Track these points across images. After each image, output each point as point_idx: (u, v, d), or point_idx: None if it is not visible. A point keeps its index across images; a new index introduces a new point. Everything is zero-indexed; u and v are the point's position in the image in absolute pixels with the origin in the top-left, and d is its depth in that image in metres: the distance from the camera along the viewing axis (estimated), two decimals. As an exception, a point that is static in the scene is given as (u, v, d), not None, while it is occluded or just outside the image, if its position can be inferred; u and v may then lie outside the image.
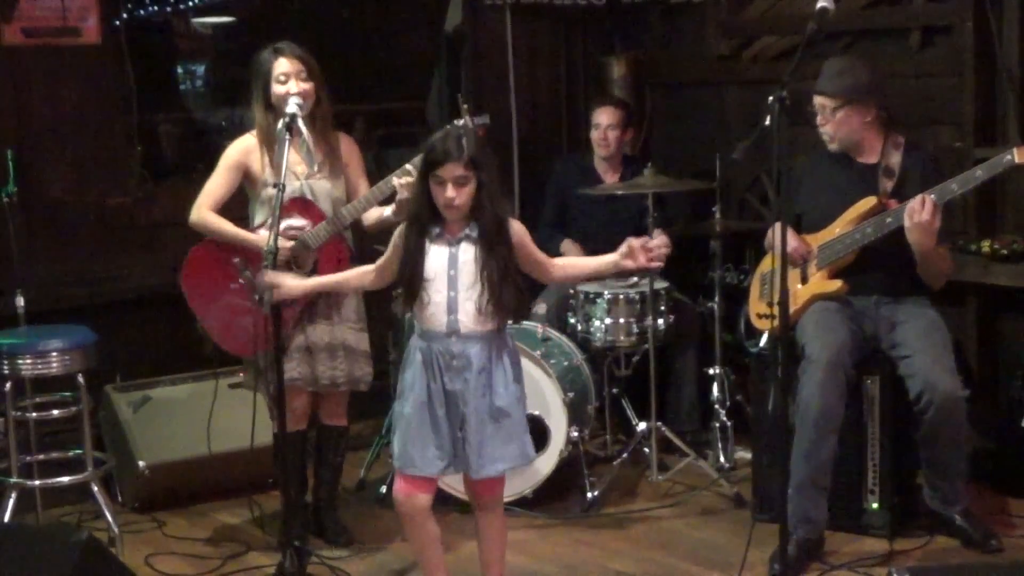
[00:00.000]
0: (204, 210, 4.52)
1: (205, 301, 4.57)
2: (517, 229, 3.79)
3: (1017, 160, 4.14)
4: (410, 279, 3.73)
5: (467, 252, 3.71)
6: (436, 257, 3.73)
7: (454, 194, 3.65)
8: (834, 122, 4.53)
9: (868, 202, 4.50)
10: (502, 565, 3.99)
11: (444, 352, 3.73)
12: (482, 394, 3.73)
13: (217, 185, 4.53)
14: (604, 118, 5.79)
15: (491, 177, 3.72)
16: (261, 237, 4.38)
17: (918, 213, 4.26)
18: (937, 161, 4.66)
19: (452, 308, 3.71)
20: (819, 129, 4.60)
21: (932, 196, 4.26)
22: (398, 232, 3.83)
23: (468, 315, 3.71)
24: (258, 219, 4.55)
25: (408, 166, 4.30)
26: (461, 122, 4.35)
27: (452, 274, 3.71)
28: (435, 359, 3.74)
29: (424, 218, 3.74)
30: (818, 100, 4.55)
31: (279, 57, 4.46)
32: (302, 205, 4.49)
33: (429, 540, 3.90)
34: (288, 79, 4.43)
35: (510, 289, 3.71)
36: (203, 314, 4.58)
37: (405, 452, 3.78)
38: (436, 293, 3.72)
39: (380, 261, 3.89)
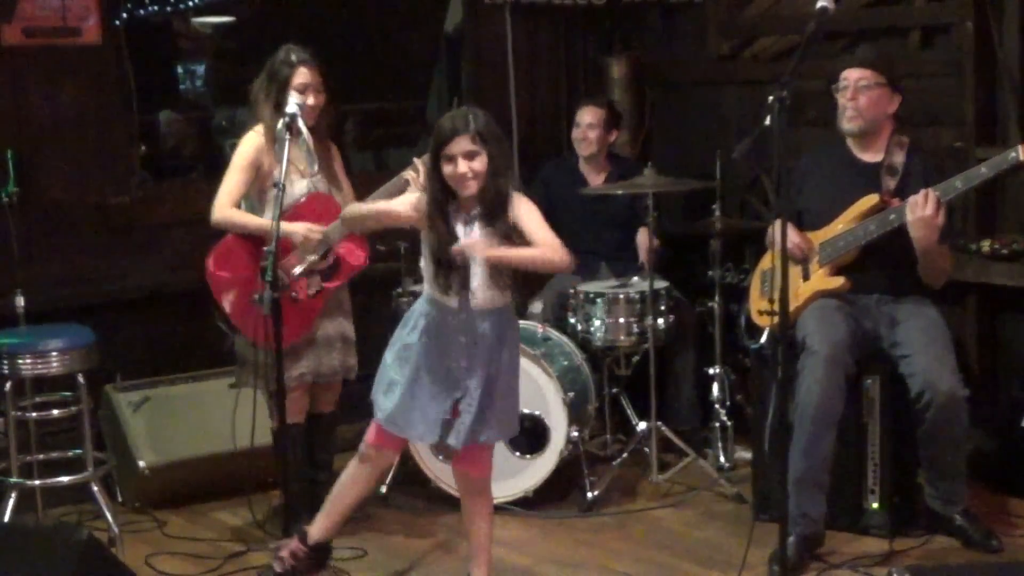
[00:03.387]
0: (227, 208, 4.51)
1: (237, 294, 4.55)
2: (520, 206, 3.79)
3: (1022, 157, 4.14)
4: (446, 261, 3.75)
5: (483, 230, 3.76)
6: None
7: (466, 168, 3.69)
8: (867, 97, 4.51)
9: (870, 199, 4.50)
10: (489, 555, 4.07)
11: (455, 326, 3.78)
12: (486, 371, 3.80)
13: (236, 183, 4.53)
14: (585, 117, 5.79)
15: (499, 152, 3.76)
16: (291, 226, 4.45)
17: (921, 207, 4.26)
18: (940, 163, 4.66)
19: (466, 284, 3.76)
20: (844, 104, 4.53)
21: (935, 191, 4.26)
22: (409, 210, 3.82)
23: (481, 292, 3.77)
24: (266, 217, 4.56)
25: (416, 160, 4.31)
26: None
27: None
28: (442, 332, 3.80)
29: (442, 201, 3.77)
30: (857, 73, 4.51)
31: (301, 67, 4.51)
32: (322, 201, 4.56)
33: (365, 491, 4.08)
34: (306, 90, 4.50)
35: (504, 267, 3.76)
36: (233, 309, 4.56)
37: (393, 414, 3.86)
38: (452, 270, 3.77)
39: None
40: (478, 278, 3.77)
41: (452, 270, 3.76)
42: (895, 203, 4.45)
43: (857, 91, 4.52)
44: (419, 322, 3.85)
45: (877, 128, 4.57)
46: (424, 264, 3.86)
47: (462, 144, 3.70)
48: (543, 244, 3.77)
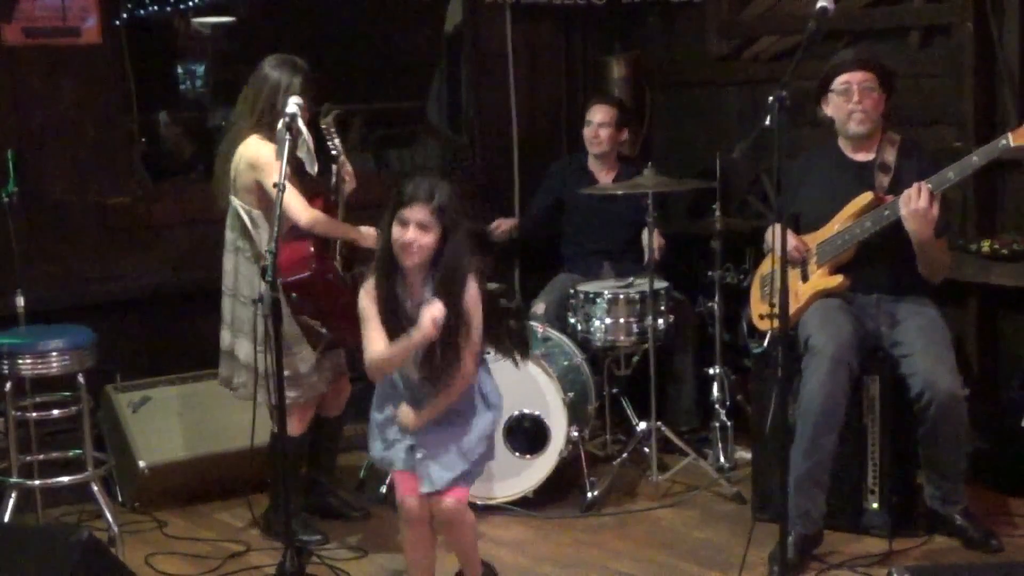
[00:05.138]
0: (311, 209, 4.48)
1: (318, 299, 4.54)
2: (471, 297, 3.70)
3: (1013, 143, 4.16)
4: (393, 326, 3.70)
5: (423, 306, 3.67)
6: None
7: (414, 236, 3.61)
8: (872, 99, 4.51)
9: (865, 198, 4.51)
10: (478, 563, 4.04)
11: (416, 398, 3.78)
12: (445, 429, 3.78)
13: (296, 186, 4.48)
14: (597, 115, 5.78)
15: (458, 234, 3.67)
16: (364, 229, 4.51)
17: (914, 200, 4.27)
18: (933, 157, 4.65)
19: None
20: (852, 108, 4.51)
21: (927, 184, 4.27)
22: (364, 298, 3.75)
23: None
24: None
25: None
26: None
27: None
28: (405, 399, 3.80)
29: (389, 267, 3.69)
30: (860, 75, 4.50)
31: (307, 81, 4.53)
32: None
33: (428, 553, 3.94)
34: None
35: (451, 350, 3.67)
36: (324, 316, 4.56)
37: (380, 456, 3.89)
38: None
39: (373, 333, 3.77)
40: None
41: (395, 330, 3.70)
42: (889, 200, 4.45)
43: (863, 94, 4.51)
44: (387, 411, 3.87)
45: (876, 127, 4.58)
46: None
47: (418, 212, 3.62)
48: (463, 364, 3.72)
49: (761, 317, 4.72)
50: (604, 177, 5.85)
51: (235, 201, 4.55)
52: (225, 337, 4.69)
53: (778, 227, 4.12)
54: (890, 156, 4.57)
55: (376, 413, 3.91)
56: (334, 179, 4.64)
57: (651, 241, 5.20)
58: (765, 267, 4.79)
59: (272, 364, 3.97)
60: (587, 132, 5.82)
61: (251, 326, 4.46)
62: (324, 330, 4.56)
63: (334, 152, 4.63)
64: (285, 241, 4.49)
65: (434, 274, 3.67)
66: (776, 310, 4.02)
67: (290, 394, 4.47)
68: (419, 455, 3.78)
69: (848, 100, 4.52)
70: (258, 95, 4.54)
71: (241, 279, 4.57)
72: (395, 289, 3.72)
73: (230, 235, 4.62)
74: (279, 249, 4.46)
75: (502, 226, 5.94)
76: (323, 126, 4.58)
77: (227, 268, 4.63)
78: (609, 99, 5.92)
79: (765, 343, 4.67)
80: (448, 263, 3.66)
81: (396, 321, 3.70)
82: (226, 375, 4.72)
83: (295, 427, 4.62)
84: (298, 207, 4.42)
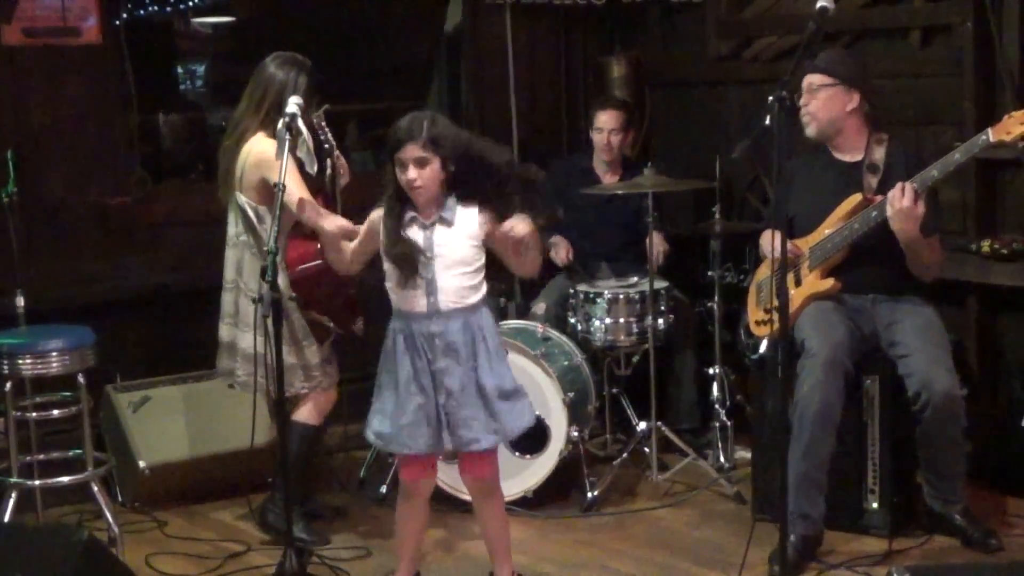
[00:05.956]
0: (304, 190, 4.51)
1: (325, 290, 4.60)
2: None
3: (993, 138, 4.17)
4: (403, 259, 3.78)
5: (443, 234, 3.79)
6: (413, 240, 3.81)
7: (415, 175, 3.72)
8: (817, 101, 4.53)
9: (854, 199, 4.51)
10: (508, 554, 4.07)
11: (426, 332, 3.79)
12: (468, 370, 3.81)
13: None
14: (608, 123, 5.74)
15: (457, 155, 3.76)
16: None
17: (898, 200, 4.27)
18: (920, 154, 4.65)
19: (431, 290, 3.78)
20: (801, 111, 4.57)
21: (912, 183, 4.27)
22: (374, 216, 3.87)
23: (448, 295, 3.79)
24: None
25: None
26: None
27: (429, 256, 3.78)
28: (417, 339, 3.80)
29: (396, 203, 3.80)
30: (808, 78, 4.54)
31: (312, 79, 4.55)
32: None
33: (420, 526, 4.05)
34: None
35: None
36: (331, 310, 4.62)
37: (391, 435, 3.88)
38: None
39: (355, 245, 3.95)
40: (443, 278, 3.79)
41: (408, 271, 3.78)
42: (878, 200, 4.46)
43: (809, 95, 4.55)
44: (396, 338, 3.86)
45: (840, 128, 4.58)
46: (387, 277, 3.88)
47: (412, 151, 3.72)
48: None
49: (758, 323, 4.72)
50: (609, 179, 5.82)
51: (240, 197, 4.55)
52: (225, 331, 4.69)
53: (776, 232, 4.12)
54: (878, 156, 4.57)
55: (386, 387, 3.90)
56: (329, 171, 4.66)
57: (650, 243, 5.20)
58: (761, 274, 4.79)
59: (275, 364, 3.98)
60: (598, 139, 5.78)
61: (254, 319, 4.45)
62: (332, 325, 4.60)
63: (327, 146, 4.64)
64: (292, 240, 4.52)
65: (453, 192, 3.78)
66: (772, 316, 4.03)
67: (304, 384, 4.58)
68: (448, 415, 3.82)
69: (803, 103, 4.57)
70: (265, 93, 4.54)
71: (247, 272, 4.57)
72: (406, 225, 3.80)
73: (233, 229, 4.62)
74: (287, 248, 4.52)
75: (561, 249, 5.77)
76: (313, 120, 4.59)
77: (230, 261, 4.63)
78: (615, 103, 5.87)
79: (761, 349, 4.66)
80: (464, 178, 3.76)
81: (405, 251, 3.78)
82: (227, 367, 4.71)
83: (313, 416, 4.67)
84: (292, 188, 4.34)
